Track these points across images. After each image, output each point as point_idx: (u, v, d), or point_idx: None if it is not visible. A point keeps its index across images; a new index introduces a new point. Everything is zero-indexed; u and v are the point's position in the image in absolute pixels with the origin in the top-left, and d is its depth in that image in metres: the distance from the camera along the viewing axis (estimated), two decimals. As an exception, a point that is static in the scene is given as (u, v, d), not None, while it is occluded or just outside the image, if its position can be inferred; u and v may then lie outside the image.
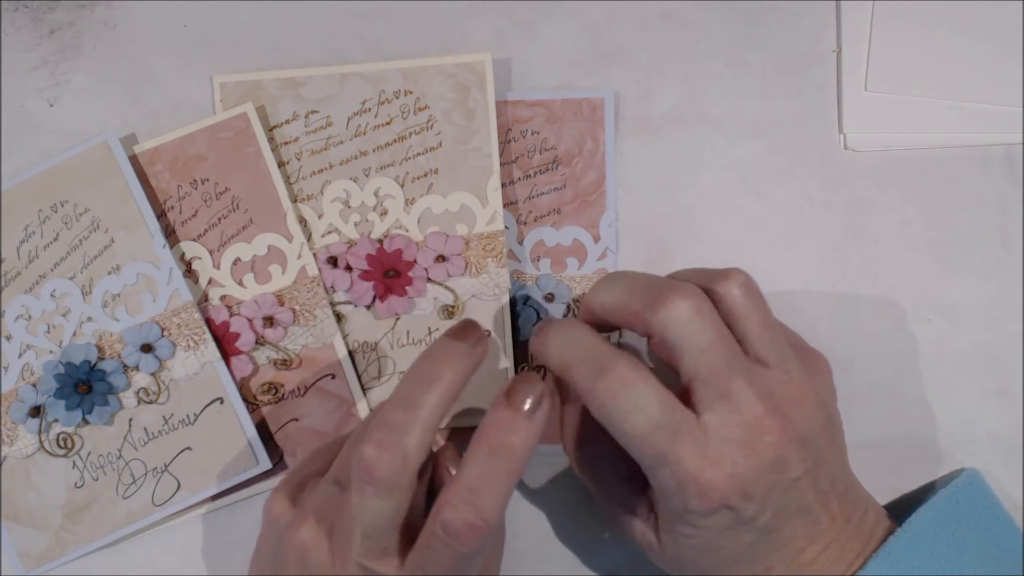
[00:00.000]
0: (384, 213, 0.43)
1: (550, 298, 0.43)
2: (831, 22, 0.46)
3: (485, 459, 0.32)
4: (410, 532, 0.34)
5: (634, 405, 0.32)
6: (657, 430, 0.32)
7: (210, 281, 0.43)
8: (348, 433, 0.40)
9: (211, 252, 0.43)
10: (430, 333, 0.43)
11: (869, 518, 0.35)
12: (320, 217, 0.43)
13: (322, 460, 0.38)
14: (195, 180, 0.43)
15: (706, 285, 0.35)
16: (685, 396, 0.33)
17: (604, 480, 0.37)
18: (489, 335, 0.43)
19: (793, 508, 0.33)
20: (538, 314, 0.43)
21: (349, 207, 0.43)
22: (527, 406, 0.32)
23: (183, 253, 0.43)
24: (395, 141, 0.44)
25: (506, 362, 0.42)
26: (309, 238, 0.43)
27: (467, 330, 0.34)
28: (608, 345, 0.34)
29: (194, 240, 0.43)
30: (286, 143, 0.44)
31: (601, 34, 0.45)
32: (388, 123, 0.44)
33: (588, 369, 0.33)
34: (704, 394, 0.33)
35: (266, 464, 0.41)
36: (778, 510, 0.33)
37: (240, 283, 0.43)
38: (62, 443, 0.42)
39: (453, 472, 0.35)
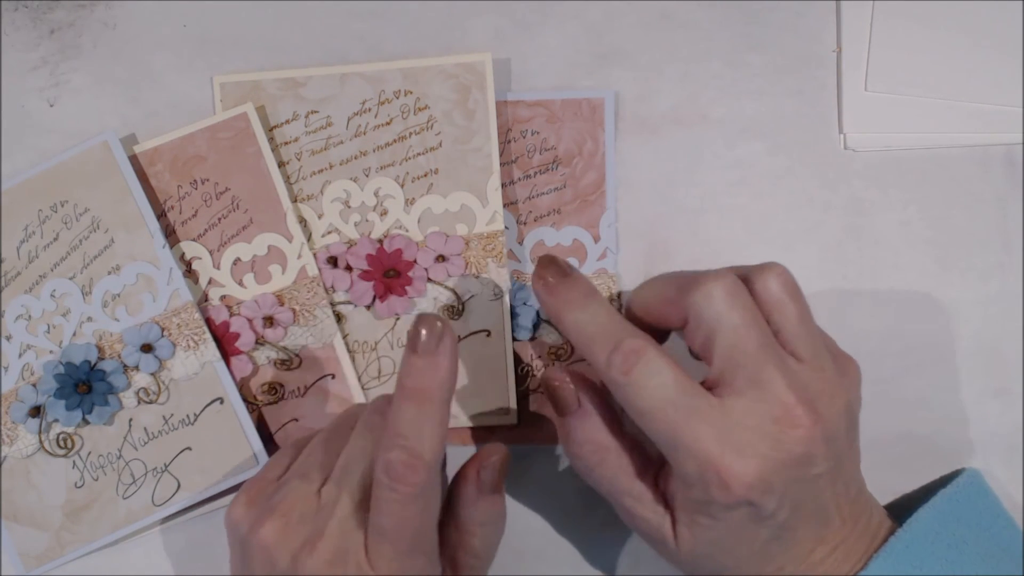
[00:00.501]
0: (384, 213, 0.43)
1: (550, 298, 0.43)
2: (831, 22, 0.46)
3: (407, 406, 0.33)
4: None
5: (647, 380, 0.33)
6: (669, 406, 0.32)
7: (210, 281, 0.43)
8: (302, 438, 0.39)
9: (211, 252, 0.43)
10: (430, 333, 0.43)
11: (873, 519, 0.35)
12: (320, 217, 0.43)
13: (279, 467, 0.37)
14: (195, 180, 0.43)
15: (744, 276, 0.35)
16: (713, 386, 0.34)
17: (615, 477, 0.36)
18: (488, 335, 0.43)
19: (810, 506, 0.33)
20: (538, 314, 0.43)
21: (349, 207, 0.43)
22: (430, 345, 0.33)
23: (183, 253, 0.43)
24: (395, 141, 0.44)
25: (506, 362, 0.42)
26: (309, 238, 0.43)
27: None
28: (625, 322, 0.35)
29: (194, 240, 0.43)
30: (286, 143, 0.44)
31: (601, 34, 0.45)
32: (388, 123, 0.44)
33: (604, 344, 0.34)
34: (734, 378, 0.33)
35: (266, 464, 0.41)
36: (795, 507, 0.33)
37: (240, 283, 0.43)
38: (62, 443, 0.42)
39: None
